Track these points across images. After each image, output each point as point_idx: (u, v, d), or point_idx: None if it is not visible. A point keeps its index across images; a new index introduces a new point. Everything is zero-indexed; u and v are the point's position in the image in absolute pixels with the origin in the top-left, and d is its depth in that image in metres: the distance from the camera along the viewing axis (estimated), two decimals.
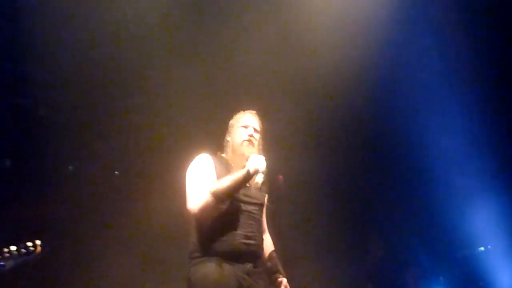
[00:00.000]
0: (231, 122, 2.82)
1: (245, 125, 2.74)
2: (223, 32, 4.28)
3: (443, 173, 5.15)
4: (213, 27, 4.27)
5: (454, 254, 5.36)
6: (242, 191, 2.56)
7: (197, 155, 2.66)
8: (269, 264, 2.71)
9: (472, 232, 5.16)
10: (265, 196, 2.78)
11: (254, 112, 2.83)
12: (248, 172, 2.42)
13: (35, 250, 2.28)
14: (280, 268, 2.70)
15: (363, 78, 4.70)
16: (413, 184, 5.25)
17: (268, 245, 2.79)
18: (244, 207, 2.54)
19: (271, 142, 2.91)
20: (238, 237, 2.46)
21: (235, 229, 2.46)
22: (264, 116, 2.85)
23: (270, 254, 2.76)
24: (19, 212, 3.83)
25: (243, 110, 2.83)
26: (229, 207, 2.48)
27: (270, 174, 2.65)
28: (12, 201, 3.85)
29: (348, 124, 5.01)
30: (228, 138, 2.78)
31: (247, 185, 2.59)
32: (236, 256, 2.43)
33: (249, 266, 2.46)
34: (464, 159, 5.11)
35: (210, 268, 2.39)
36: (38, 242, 2.31)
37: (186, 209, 2.50)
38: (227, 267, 2.40)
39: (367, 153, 5.23)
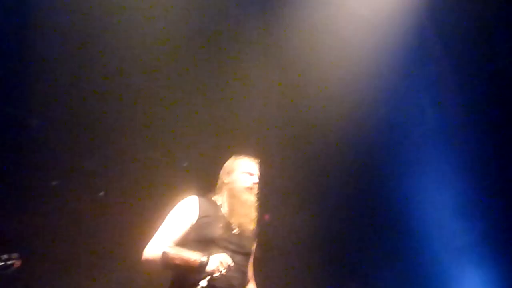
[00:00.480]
0: (232, 165, 2.69)
1: (250, 172, 2.65)
2: (224, 75, 4.31)
3: (428, 230, 5.15)
4: (215, 67, 4.30)
5: None
6: (229, 239, 2.45)
7: (186, 195, 2.54)
8: None
9: None
10: (254, 244, 2.66)
11: (257, 160, 2.73)
12: (202, 266, 2.24)
13: (12, 264, 2.20)
14: None
15: (358, 131, 4.74)
16: (402, 241, 5.22)
17: None
18: (230, 257, 2.38)
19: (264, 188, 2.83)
20: None
21: (219, 280, 2.30)
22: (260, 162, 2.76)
23: None
24: None
25: (244, 155, 2.73)
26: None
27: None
28: None
29: (337, 175, 4.98)
30: (227, 181, 2.65)
31: (235, 232, 2.51)
32: None
33: None
34: (449, 217, 5.13)
35: None
36: (15, 255, 2.22)
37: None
38: None
39: (357, 207, 5.20)
